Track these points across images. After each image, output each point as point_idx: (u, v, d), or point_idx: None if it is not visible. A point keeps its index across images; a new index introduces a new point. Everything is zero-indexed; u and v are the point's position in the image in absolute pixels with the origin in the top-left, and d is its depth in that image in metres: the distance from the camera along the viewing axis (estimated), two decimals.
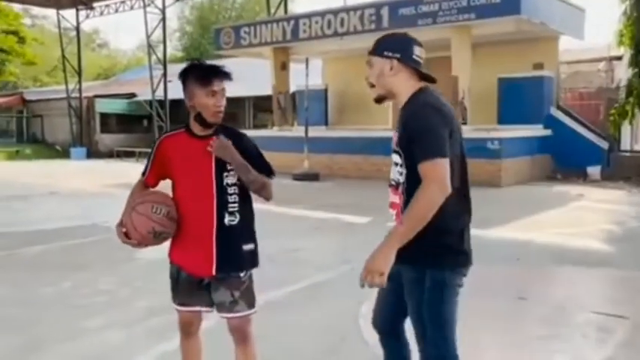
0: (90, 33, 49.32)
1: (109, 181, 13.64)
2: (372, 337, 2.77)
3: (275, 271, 5.20)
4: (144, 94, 25.34)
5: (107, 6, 25.32)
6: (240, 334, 2.57)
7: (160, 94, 22.80)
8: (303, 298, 4.76)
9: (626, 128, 14.57)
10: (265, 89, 18.95)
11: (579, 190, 11.70)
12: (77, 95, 26.20)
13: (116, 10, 25.04)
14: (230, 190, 2.45)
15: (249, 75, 20.95)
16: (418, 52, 2.21)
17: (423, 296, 2.17)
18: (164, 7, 23.15)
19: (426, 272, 2.16)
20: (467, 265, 2.22)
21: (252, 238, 2.56)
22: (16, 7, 31.33)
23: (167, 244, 2.56)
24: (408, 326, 2.34)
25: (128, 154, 22.88)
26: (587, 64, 18.30)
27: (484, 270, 5.28)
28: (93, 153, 25.06)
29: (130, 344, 3.74)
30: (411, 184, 2.10)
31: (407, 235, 2.02)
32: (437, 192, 2.00)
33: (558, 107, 15.09)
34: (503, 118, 14.46)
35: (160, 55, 23.68)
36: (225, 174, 2.45)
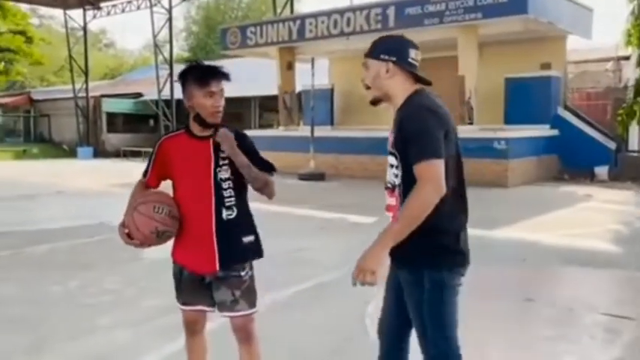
0: (97, 33, 49.51)
1: (116, 181, 13.67)
2: None
3: (280, 271, 5.21)
4: (150, 94, 25.45)
5: (114, 6, 25.46)
6: (243, 334, 2.58)
7: (166, 93, 22.88)
8: (309, 297, 4.76)
9: (634, 128, 14.45)
10: (271, 89, 18.97)
11: (586, 191, 11.64)
12: (84, 95, 26.36)
13: (123, 10, 25.17)
14: (225, 185, 2.48)
15: (255, 75, 21.01)
16: (414, 54, 2.23)
17: (422, 297, 2.17)
18: (170, 7, 23.27)
19: (424, 273, 2.16)
20: (464, 265, 2.22)
21: (251, 229, 2.58)
22: (24, 7, 31.55)
23: (170, 243, 2.57)
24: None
25: (135, 154, 22.95)
26: (594, 64, 18.17)
27: (491, 270, 5.29)
28: (100, 152, 25.20)
29: (136, 343, 3.75)
30: (407, 186, 2.10)
31: (400, 234, 2.02)
32: (431, 192, 2.00)
33: (565, 107, 15.03)
34: (510, 118, 14.42)
35: (167, 54, 23.79)
36: (218, 169, 2.47)
